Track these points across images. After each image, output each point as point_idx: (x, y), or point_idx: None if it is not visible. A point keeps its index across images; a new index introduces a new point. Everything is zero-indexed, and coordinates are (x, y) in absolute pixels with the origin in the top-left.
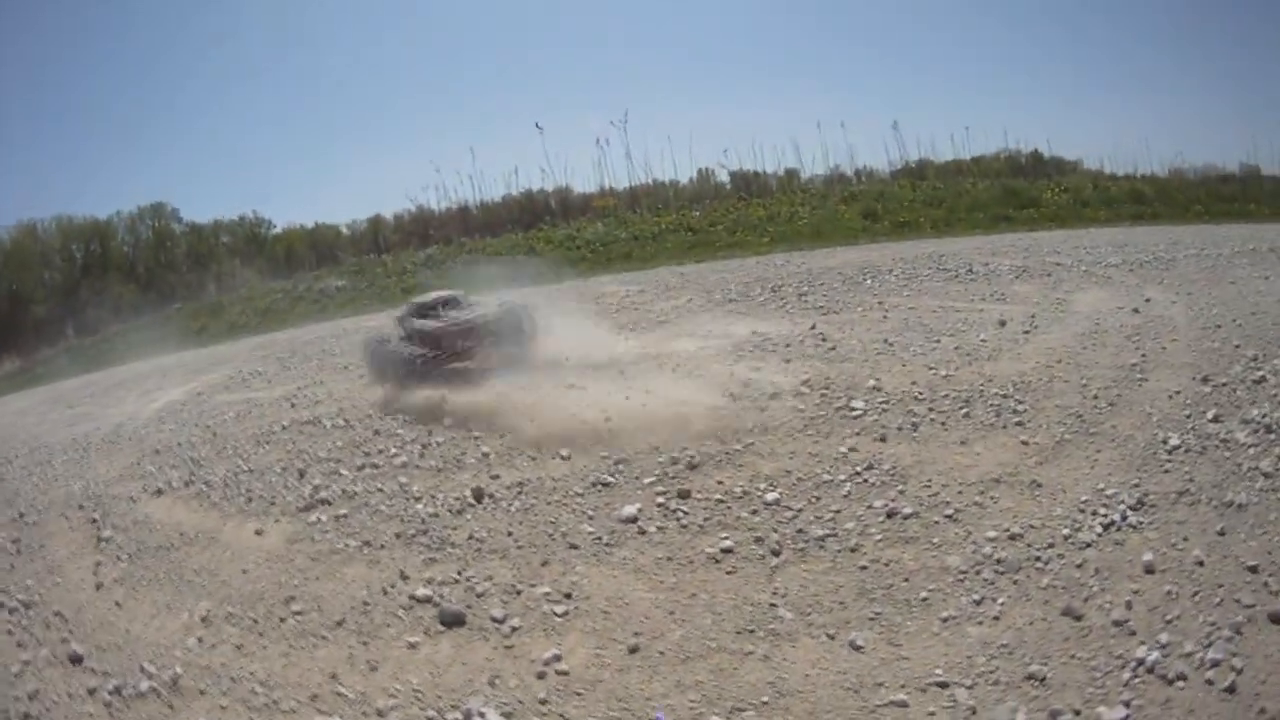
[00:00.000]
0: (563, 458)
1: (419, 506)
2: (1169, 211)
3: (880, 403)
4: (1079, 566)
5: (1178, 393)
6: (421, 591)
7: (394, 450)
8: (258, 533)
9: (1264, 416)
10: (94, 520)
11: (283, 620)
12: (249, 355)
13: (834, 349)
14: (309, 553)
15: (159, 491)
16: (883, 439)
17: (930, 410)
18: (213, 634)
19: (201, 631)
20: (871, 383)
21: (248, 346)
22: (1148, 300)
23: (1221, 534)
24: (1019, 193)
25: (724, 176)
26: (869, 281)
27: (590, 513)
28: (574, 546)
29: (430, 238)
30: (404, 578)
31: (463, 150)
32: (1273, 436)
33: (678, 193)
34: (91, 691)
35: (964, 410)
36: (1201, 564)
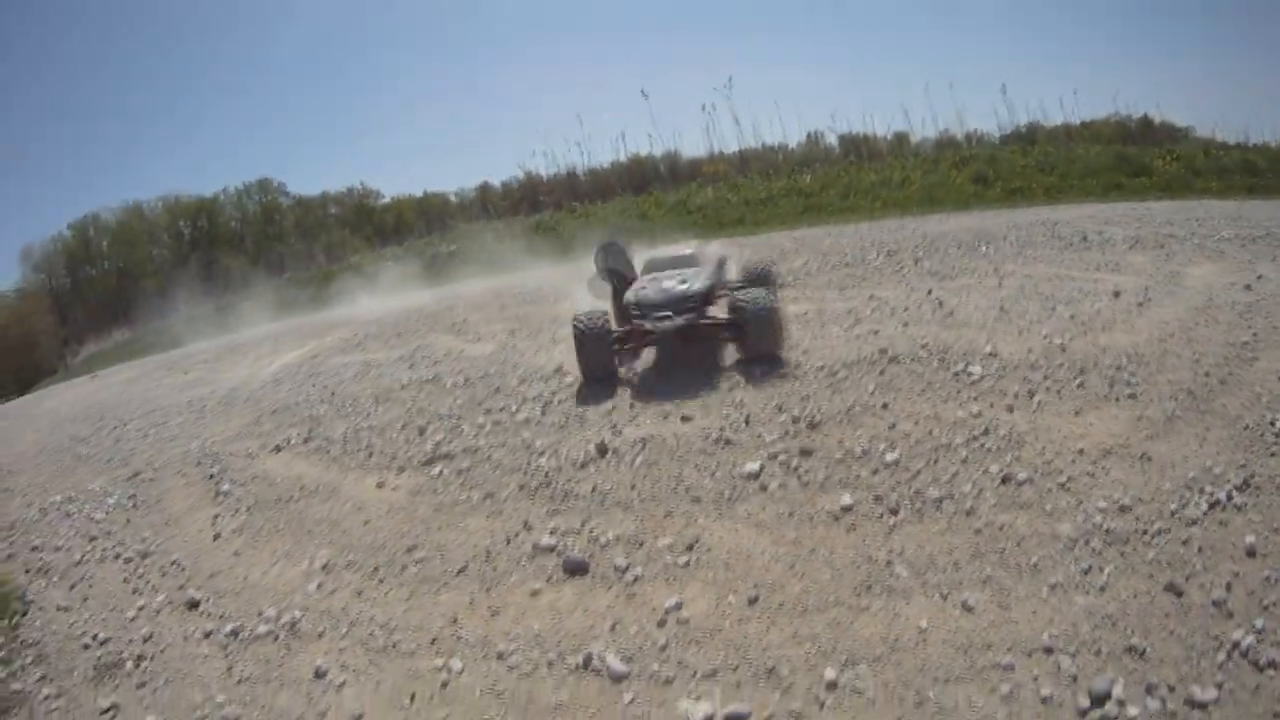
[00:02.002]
0: (684, 419)
1: (542, 460)
2: None
3: (997, 369)
4: (1184, 543)
5: None
6: (545, 541)
7: (515, 407)
8: (379, 485)
9: None
10: (211, 476)
11: (404, 568)
12: (363, 320)
13: (951, 314)
14: (431, 504)
15: (277, 448)
16: (1008, 407)
17: (1045, 378)
18: (333, 580)
19: (321, 578)
20: (988, 349)
21: (361, 311)
22: (1260, 277)
23: None
24: (1131, 159)
25: (833, 140)
26: (984, 248)
27: (713, 468)
28: (696, 500)
29: (539, 204)
30: (527, 528)
31: (570, 117)
32: None
33: (787, 156)
34: (208, 634)
35: (1079, 380)
36: None
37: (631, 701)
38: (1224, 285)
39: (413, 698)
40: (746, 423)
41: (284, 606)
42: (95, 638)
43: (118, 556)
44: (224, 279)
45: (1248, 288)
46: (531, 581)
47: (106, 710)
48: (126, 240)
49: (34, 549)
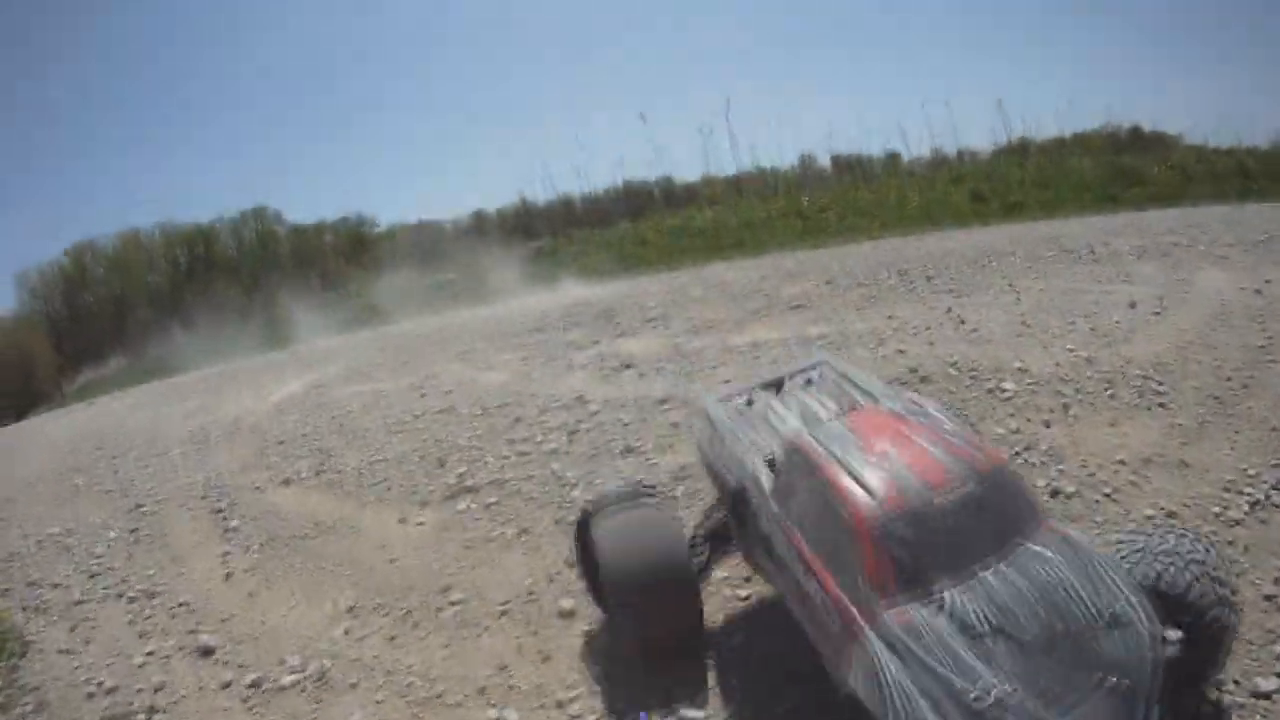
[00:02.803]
0: None
1: (576, 493)
2: (1276, 187)
3: (1029, 384)
4: (1230, 544)
5: None
6: None
7: (540, 437)
8: (401, 521)
9: None
10: (218, 510)
11: (439, 610)
12: (365, 348)
13: (975, 331)
14: (461, 541)
15: (287, 481)
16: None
17: (1077, 392)
18: (360, 625)
19: (348, 623)
20: (1017, 365)
21: (361, 340)
22: (1268, 281)
23: None
24: (1125, 171)
25: (825, 161)
26: (994, 264)
27: None
28: None
29: (535, 230)
30: (570, 565)
31: (568, 143)
32: None
33: (780, 179)
34: (226, 685)
35: (1109, 391)
36: None
37: None
38: (1234, 290)
39: None
40: None
41: (309, 654)
42: (101, 685)
43: (120, 595)
44: (220, 306)
45: (1258, 292)
46: (581, 623)
47: None
48: (123, 267)
49: (31, 584)
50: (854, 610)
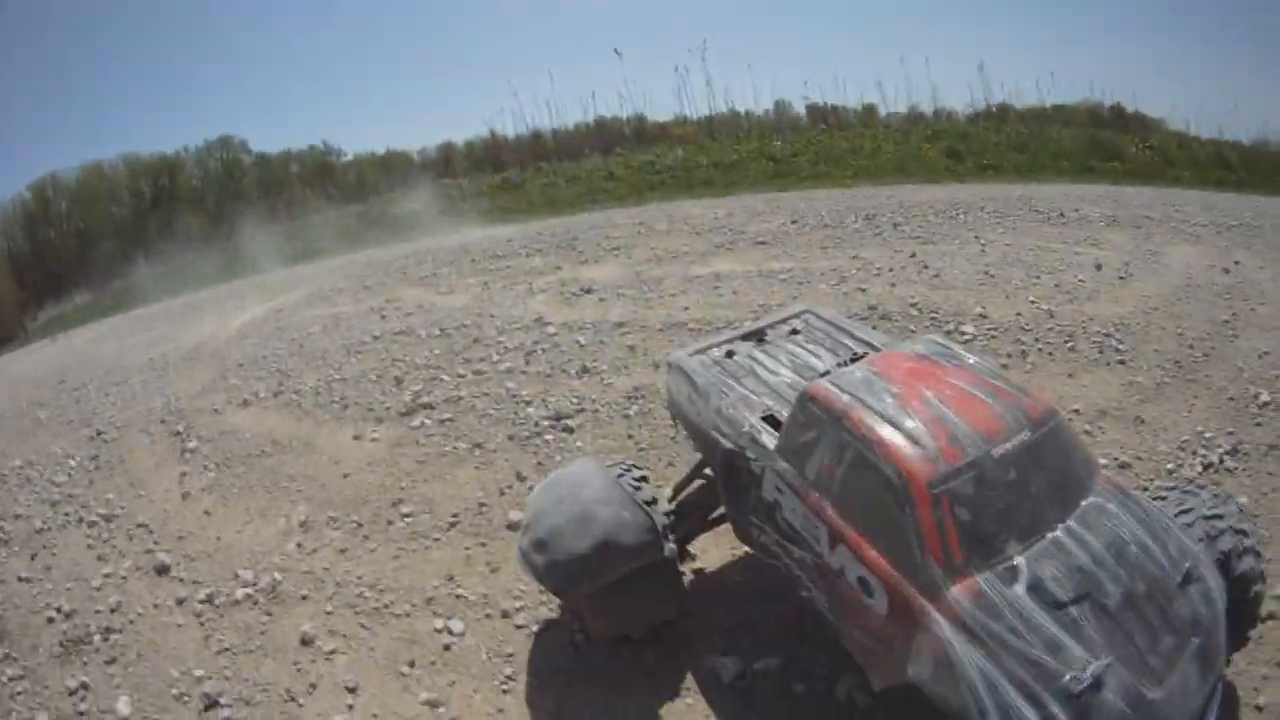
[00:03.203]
0: None
1: (530, 410)
2: (1254, 180)
3: (989, 329)
4: None
5: (1267, 353)
6: None
7: (497, 357)
8: (356, 438)
9: None
10: (177, 433)
11: (390, 523)
12: (328, 275)
13: (937, 276)
14: (414, 456)
15: (245, 402)
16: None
17: (1037, 341)
18: (313, 539)
19: (300, 537)
20: (978, 310)
21: (325, 267)
22: (1237, 262)
23: None
24: (1104, 144)
25: (800, 109)
26: (963, 217)
27: None
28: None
29: (503, 163)
30: (520, 479)
31: (541, 75)
32: None
33: (754, 123)
34: (180, 601)
35: (1069, 344)
36: None
37: None
38: (1203, 267)
39: (412, 664)
40: None
41: (261, 568)
42: (60, 610)
43: (81, 521)
44: (185, 237)
45: (1226, 271)
46: None
47: (75, 690)
48: (86, 200)
49: None
50: (910, 587)
